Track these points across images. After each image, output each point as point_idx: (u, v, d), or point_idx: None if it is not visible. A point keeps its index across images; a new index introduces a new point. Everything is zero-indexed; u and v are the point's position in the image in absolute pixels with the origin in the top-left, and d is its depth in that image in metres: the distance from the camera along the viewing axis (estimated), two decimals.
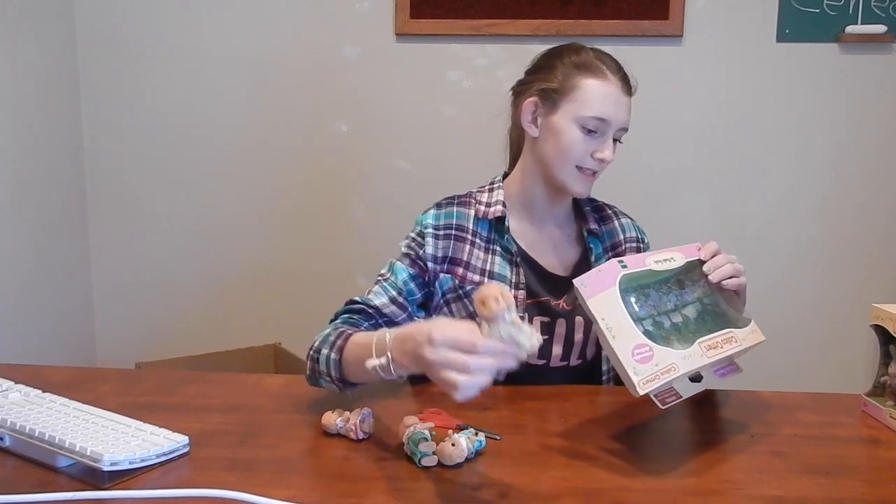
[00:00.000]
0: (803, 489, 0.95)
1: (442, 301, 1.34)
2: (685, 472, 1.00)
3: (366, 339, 1.07)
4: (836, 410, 1.22)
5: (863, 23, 2.30)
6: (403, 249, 1.36)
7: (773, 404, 1.24)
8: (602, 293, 1.04)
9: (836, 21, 2.31)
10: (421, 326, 0.93)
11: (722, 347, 1.09)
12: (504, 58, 2.40)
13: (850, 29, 2.30)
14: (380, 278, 1.34)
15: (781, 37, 2.35)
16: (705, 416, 1.21)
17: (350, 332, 1.13)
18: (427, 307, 1.36)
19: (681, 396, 1.06)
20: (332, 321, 1.28)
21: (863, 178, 2.40)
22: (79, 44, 2.50)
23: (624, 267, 1.08)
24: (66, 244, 2.49)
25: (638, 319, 1.04)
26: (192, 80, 2.49)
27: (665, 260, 1.13)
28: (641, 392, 0.98)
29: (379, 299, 1.30)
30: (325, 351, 1.13)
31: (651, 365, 1.00)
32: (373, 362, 0.98)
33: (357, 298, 1.31)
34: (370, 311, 1.28)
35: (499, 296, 0.85)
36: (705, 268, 1.17)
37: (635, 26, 2.34)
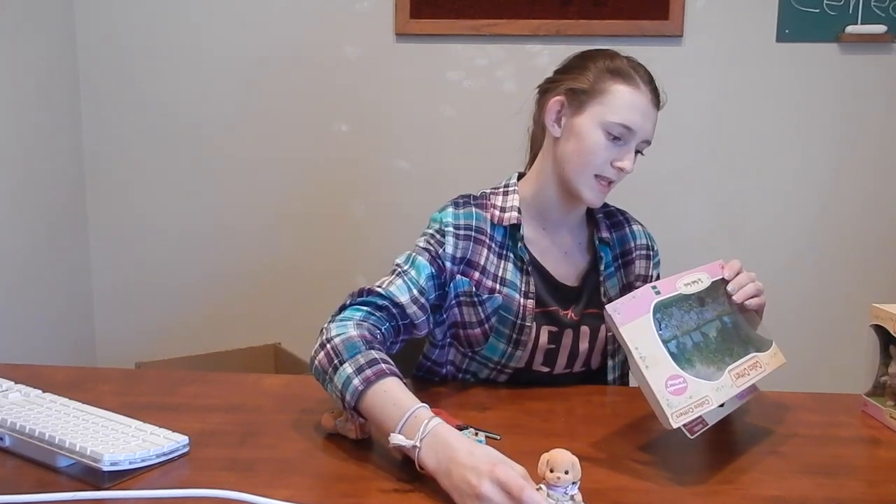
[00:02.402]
0: (803, 489, 0.95)
1: (454, 302, 1.30)
2: (685, 472, 1.00)
3: (401, 397, 0.98)
4: (836, 410, 1.22)
5: (863, 23, 2.30)
6: (422, 245, 1.29)
7: (773, 404, 1.24)
8: (635, 321, 1.02)
9: (836, 21, 2.31)
10: (472, 448, 0.88)
11: (749, 374, 1.09)
12: (504, 58, 2.40)
13: (850, 29, 2.30)
14: (399, 271, 1.25)
15: (781, 37, 2.35)
16: None
17: (385, 367, 1.02)
18: (440, 308, 1.31)
19: (707, 424, 1.05)
20: (346, 306, 1.19)
21: (863, 177, 2.40)
22: (79, 44, 2.50)
23: (658, 293, 1.06)
24: (66, 244, 2.49)
25: (664, 342, 1.03)
26: (192, 80, 2.50)
27: (693, 282, 1.12)
28: (675, 425, 0.97)
29: (403, 296, 1.21)
30: (348, 368, 1.03)
31: (685, 397, 0.99)
32: (397, 439, 0.93)
33: (379, 290, 1.20)
34: (394, 310, 1.20)
35: (570, 468, 0.82)
36: (729, 287, 1.16)
37: (635, 26, 2.34)
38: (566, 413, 1.19)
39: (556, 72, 1.35)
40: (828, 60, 2.35)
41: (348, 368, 1.03)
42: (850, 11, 2.31)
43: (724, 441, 1.11)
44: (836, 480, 0.97)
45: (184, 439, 1.00)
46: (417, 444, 0.91)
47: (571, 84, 1.28)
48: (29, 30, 2.28)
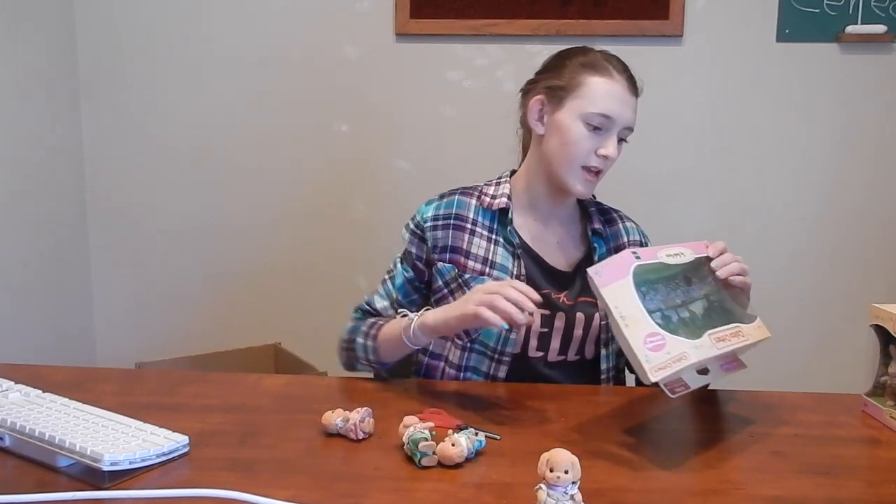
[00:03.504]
0: (803, 489, 0.95)
1: (446, 291, 1.36)
2: (685, 472, 1.00)
3: (398, 320, 1.28)
4: (836, 410, 1.22)
5: (863, 23, 2.30)
6: (405, 245, 1.40)
7: (773, 404, 1.24)
8: (616, 283, 1.06)
9: (836, 21, 2.31)
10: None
11: (730, 340, 1.10)
12: (504, 58, 2.40)
13: (850, 29, 2.30)
14: (385, 278, 1.42)
15: (781, 37, 2.35)
16: (705, 415, 1.21)
17: (382, 322, 1.32)
18: (429, 299, 1.40)
19: (689, 387, 1.07)
20: (349, 326, 1.40)
21: (862, 177, 2.40)
22: (79, 44, 2.50)
23: (638, 258, 1.09)
24: (66, 244, 2.49)
25: (648, 312, 1.05)
26: (192, 81, 2.49)
27: (675, 254, 1.15)
28: (654, 379, 1.00)
29: (381, 303, 1.40)
30: (359, 340, 1.33)
31: (663, 353, 1.01)
32: (405, 322, 1.24)
33: (365, 300, 1.42)
34: (375, 313, 1.39)
35: (570, 467, 0.81)
36: (713, 264, 1.18)
37: (635, 26, 2.33)
38: (566, 413, 1.19)
39: (536, 73, 1.40)
40: (828, 60, 2.35)
41: (359, 340, 1.33)
42: (850, 11, 2.30)
43: (724, 441, 1.11)
44: (836, 480, 0.97)
45: (184, 439, 1.00)
46: (416, 316, 1.23)
47: (549, 82, 1.34)
48: (29, 30, 2.27)
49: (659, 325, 1.04)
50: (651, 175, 2.41)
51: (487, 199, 1.39)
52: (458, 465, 0.98)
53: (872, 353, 1.21)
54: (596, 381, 1.38)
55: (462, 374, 1.37)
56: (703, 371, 1.11)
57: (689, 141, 2.42)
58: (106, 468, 0.91)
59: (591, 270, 1.07)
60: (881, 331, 1.18)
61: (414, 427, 1.01)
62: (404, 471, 0.97)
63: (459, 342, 1.36)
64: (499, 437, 1.07)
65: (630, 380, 1.44)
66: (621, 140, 1.32)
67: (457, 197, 1.40)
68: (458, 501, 0.90)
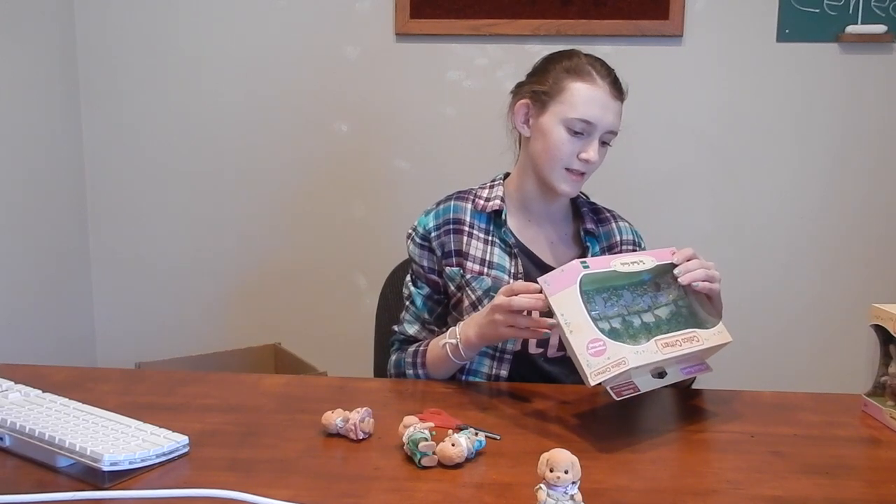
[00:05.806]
0: (803, 489, 0.95)
1: (459, 294, 1.39)
2: (685, 472, 1.00)
3: (438, 342, 1.32)
4: (836, 410, 1.22)
5: (863, 23, 2.30)
6: (415, 261, 1.42)
7: (773, 404, 1.24)
8: (563, 291, 1.10)
9: (836, 21, 2.31)
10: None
11: (681, 346, 1.12)
12: (504, 58, 2.40)
13: (850, 29, 2.30)
14: (406, 304, 1.45)
15: (781, 37, 2.35)
16: (705, 416, 1.21)
17: (423, 347, 1.36)
18: (449, 304, 1.44)
19: (639, 390, 1.11)
20: (392, 351, 1.45)
21: (863, 177, 2.40)
22: (79, 44, 2.50)
23: (586, 267, 1.13)
24: (66, 244, 2.49)
25: (605, 318, 1.10)
26: (192, 81, 2.49)
27: (633, 262, 1.18)
28: (592, 382, 1.05)
29: (412, 328, 1.43)
30: (409, 372, 1.36)
31: (603, 358, 1.06)
32: (444, 340, 1.28)
33: (397, 330, 1.45)
34: (412, 338, 1.42)
35: (570, 467, 0.81)
36: (676, 270, 1.19)
37: (635, 26, 2.33)
38: (566, 413, 1.19)
39: (526, 76, 1.42)
40: (828, 60, 2.35)
41: (409, 372, 1.36)
42: (850, 11, 2.30)
43: (724, 441, 1.11)
44: (836, 480, 0.97)
45: (184, 439, 1.00)
46: (457, 334, 1.27)
47: (534, 87, 1.36)
48: (29, 30, 2.27)
49: (616, 329, 1.09)
50: (651, 175, 2.41)
51: (481, 202, 1.41)
52: (458, 465, 0.98)
53: (872, 353, 1.21)
54: None
55: (465, 377, 1.38)
56: (662, 374, 1.14)
57: (690, 141, 2.42)
58: (106, 468, 0.91)
59: (540, 280, 1.12)
60: (881, 331, 1.18)
61: (414, 427, 1.01)
62: (404, 471, 0.97)
63: None
64: (499, 437, 1.07)
65: None
66: (604, 143, 1.34)
67: (452, 202, 1.42)
68: (458, 501, 0.90)
